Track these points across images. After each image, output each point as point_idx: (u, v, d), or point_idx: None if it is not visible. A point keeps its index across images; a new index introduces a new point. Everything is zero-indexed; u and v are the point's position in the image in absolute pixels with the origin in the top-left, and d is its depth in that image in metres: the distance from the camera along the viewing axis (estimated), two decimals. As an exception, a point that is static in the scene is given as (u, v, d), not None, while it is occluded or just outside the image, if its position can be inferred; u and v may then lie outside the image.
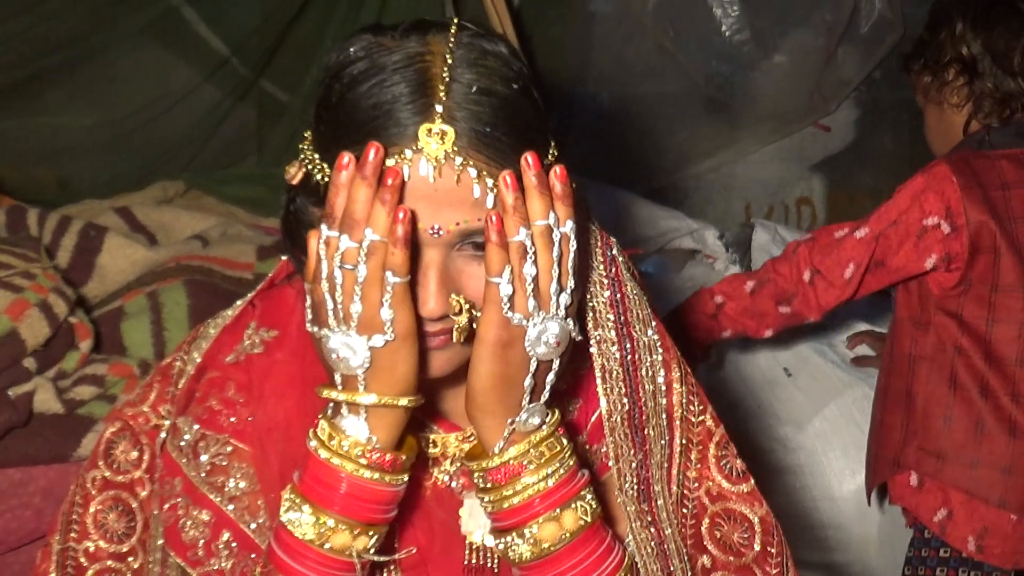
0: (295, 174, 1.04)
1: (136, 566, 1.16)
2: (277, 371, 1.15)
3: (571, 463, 1.04)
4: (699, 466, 1.17)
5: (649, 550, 1.11)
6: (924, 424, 2.10)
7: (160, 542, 1.13)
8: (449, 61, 0.96)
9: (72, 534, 1.15)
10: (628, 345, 1.14)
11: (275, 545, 1.02)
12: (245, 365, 1.16)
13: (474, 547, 1.16)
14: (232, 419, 1.14)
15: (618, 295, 1.15)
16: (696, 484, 1.17)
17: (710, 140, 3.96)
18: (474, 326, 1.00)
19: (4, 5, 2.49)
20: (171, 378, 1.17)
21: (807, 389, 2.75)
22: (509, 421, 1.01)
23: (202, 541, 1.11)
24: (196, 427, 1.13)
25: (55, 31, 2.61)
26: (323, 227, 0.96)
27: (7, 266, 1.87)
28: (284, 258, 1.22)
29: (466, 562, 1.17)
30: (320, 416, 1.02)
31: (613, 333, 1.14)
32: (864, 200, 3.71)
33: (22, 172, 2.79)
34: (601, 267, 1.15)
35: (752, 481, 1.17)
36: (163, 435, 1.15)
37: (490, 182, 0.95)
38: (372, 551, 1.02)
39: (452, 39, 0.98)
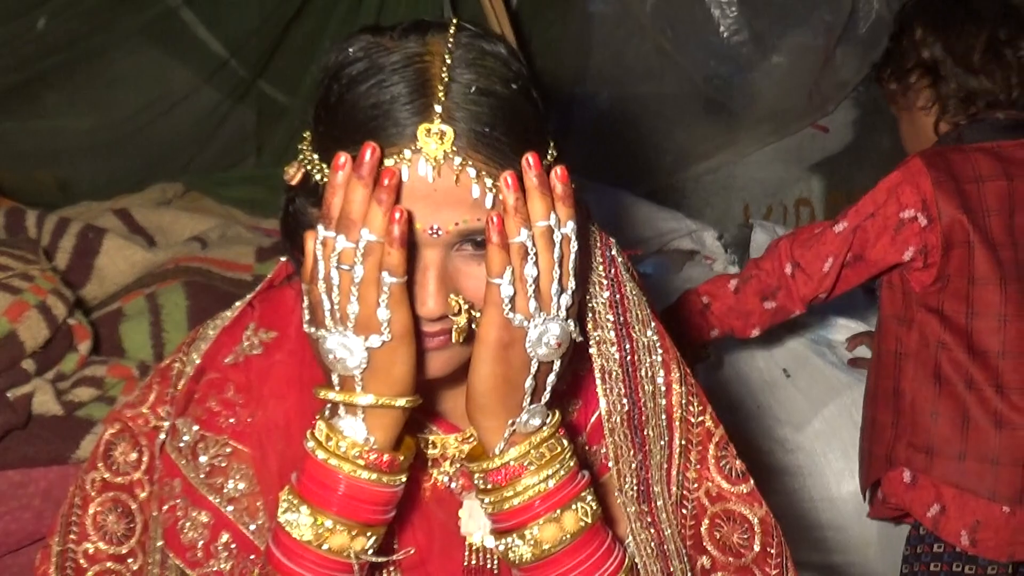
0: (294, 175, 1.04)
1: (135, 568, 1.16)
2: (276, 372, 1.15)
3: (572, 464, 1.04)
4: (699, 467, 1.17)
5: (649, 551, 1.11)
6: (913, 420, 2.13)
7: (159, 543, 1.13)
8: (448, 61, 0.96)
9: (71, 536, 1.15)
10: (627, 346, 1.14)
11: (273, 546, 1.01)
12: (244, 366, 1.16)
13: (473, 548, 1.16)
14: (231, 420, 1.14)
15: (617, 296, 1.15)
16: (696, 485, 1.17)
17: (709, 141, 3.96)
18: (473, 326, 1.00)
19: (2, 7, 2.49)
20: (170, 379, 1.17)
21: (806, 390, 2.76)
22: (510, 422, 1.01)
23: (201, 542, 1.11)
24: (195, 428, 1.13)
25: (54, 34, 2.61)
26: (320, 227, 0.96)
27: (6, 268, 1.87)
28: (283, 259, 1.22)
29: (465, 563, 1.17)
30: (318, 417, 1.02)
31: (612, 334, 1.13)
32: (863, 200, 3.70)
33: (21, 174, 2.78)
34: (600, 268, 1.15)
35: (752, 482, 1.17)
36: (162, 436, 1.15)
37: (489, 182, 0.95)
38: (370, 552, 1.02)
39: (451, 39, 0.98)
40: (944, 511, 2.08)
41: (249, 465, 1.13)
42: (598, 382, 1.12)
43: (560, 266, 0.98)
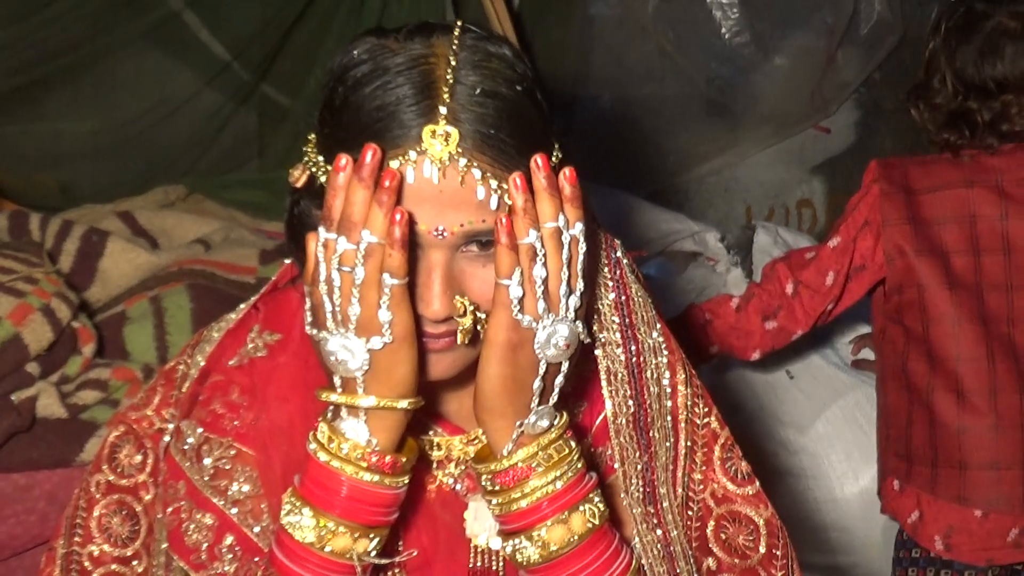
0: (299, 177, 1.04)
1: (140, 570, 1.16)
2: (280, 374, 1.15)
3: (579, 466, 1.04)
4: (704, 468, 1.17)
5: (655, 552, 1.11)
6: (896, 431, 2.17)
7: (164, 546, 1.13)
8: (453, 63, 0.96)
9: (76, 538, 1.15)
10: (633, 347, 1.14)
11: (276, 548, 1.02)
12: (248, 368, 1.16)
13: (479, 550, 1.16)
14: (235, 422, 1.14)
15: (623, 297, 1.15)
16: (701, 486, 1.17)
17: (711, 142, 3.96)
18: (478, 328, 1.00)
19: (5, 11, 2.49)
20: (175, 382, 1.17)
21: (809, 391, 2.75)
22: (518, 424, 1.01)
23: (205, 545, 1.11)
24: (200, 431, 1.13)
25: (56, 37, 2.61)
26: (321, 229, 0.96)
27: (10, 271, 1.87)
28: (287, 262, 1.21)
29: (471, 565, 1.17)
30: (320, 419, 1.02)
31: (618, 335, 1.13)
32: (865, 202, 3.70)
33: (24, 177, 2.78)
34: (606, 269, 1.15)
35: (757, 483, 1.17)
36: (167, 439, 1.14)
37: (494, 183, 0.95)
38: (373, 554, 1.02)
39: (456, 41, 0.98)
40: (921, 517, 2.11)
41: (253, 467, 1.13)
42: (604, 384, 1.12)
43: (569, 267, 0.98)
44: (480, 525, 1.14)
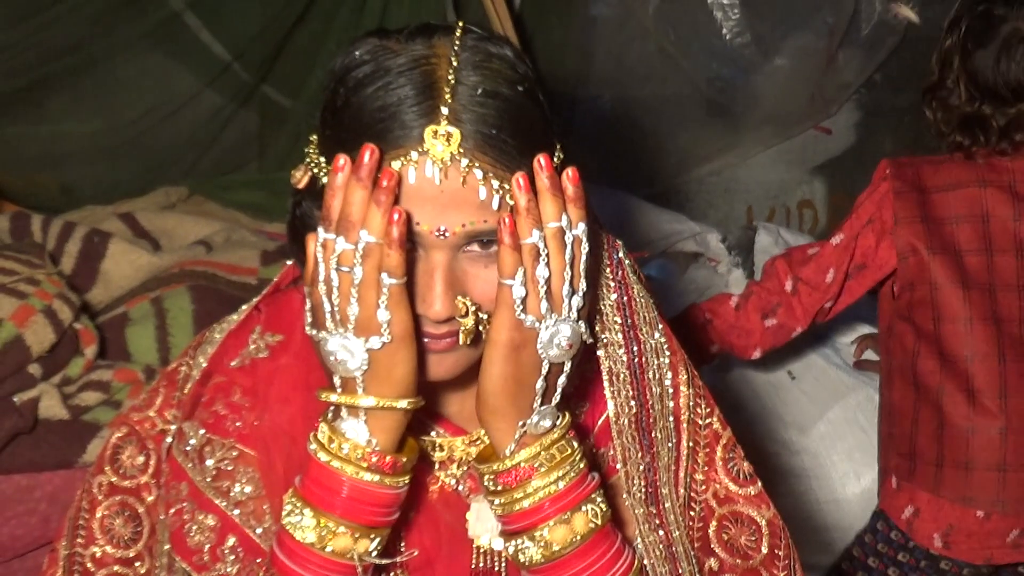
0: (301, 178, 1.04)
1: (143, 571, 1.16)
2: (282, 375, 1.15)
3: (582, 466, 1.04)
4: (706, 469, 1.17)
5: (658, 553, 1.11)
6: (899, 430, 2.16)
7: (166, 547, 1.13)
8: (454, 64, 0.96)
9: (79, 539, 1.15)
10: (635, 348, 1.14)
11: (277, 549, 1.02)
12: (250, 369, 1.16)
13: (481, 551, 1.17)
14: (238, 424, 1.14)
15: (625, 298, 1.15)
16: (703, 487, 1.17)
17: (711, 143, 3.96)
18: (480, 328, 1.00)
19: (6, 12, 2.49)
20: (177, 383, 1.17)
21: (811, 392, 2.75)
22: (520, 424, 1.01)
23: (208, 546, 1.11)
24: (202, 432, 1.13)
25: (57, 38, 2.61)
26: (320, 229, 0.96)
27: (11, 272, 1.87)
28: (289, 263, 1.22)
29: (473, 566, 1.17)
30: (321, 419, 1.03)
31: (620, 336, 1.14)
32: (866, 202, 3.70)
33: (25, 178, 2.79)
34: (607, 270, 1.15)
35: (759, 484, 1.18)
36: (169, 440, 1.15)
37: (496, 184, 0.95)
38: (374, 554, 1.02)
39: (457, 42, 0.98)
40: (918, 514, 2.10)
41: (255, 469, 1.13)
42: (606, 384, 1.12)
43: (571, 267, 0.98)
44: (482, 526, 1.14)
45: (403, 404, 0.99)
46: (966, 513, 2.06)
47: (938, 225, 2.06)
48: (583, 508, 1.03)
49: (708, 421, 1.17)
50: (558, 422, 1.04)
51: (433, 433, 1.17)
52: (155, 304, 2.12)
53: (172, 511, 1.12)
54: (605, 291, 1.14)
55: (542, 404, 1.02)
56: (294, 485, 1.02)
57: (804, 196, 4.11)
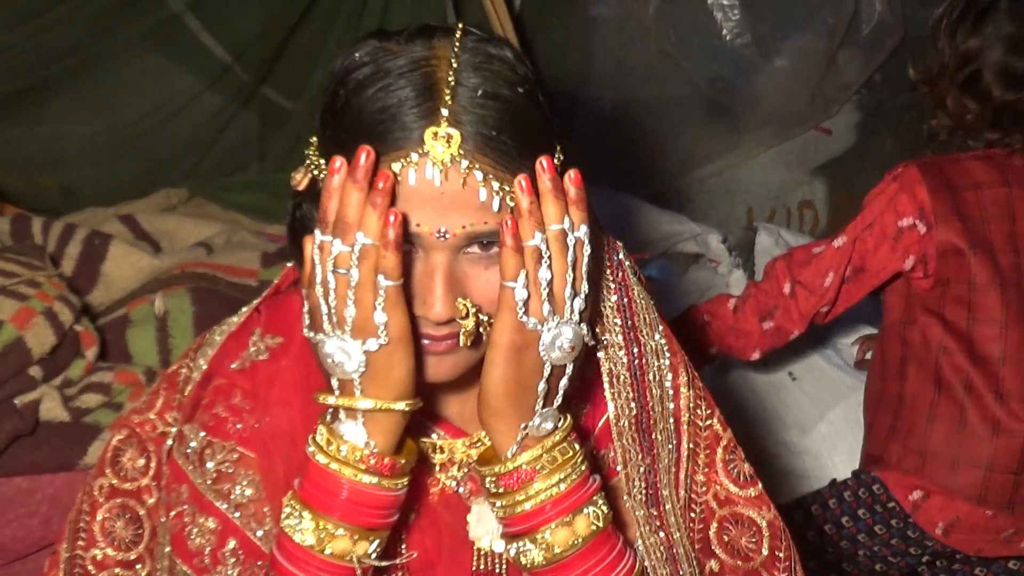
0: (301, 180, 1.04)
1: (144, 574, 1.16)
2: (282, 378, 1.15)
3: (583, 468, 1.04)
4: (707, 470, 1.17)
5: (658, 555, 1.11)
6: (910, 423, 2.12)
7: (167, 550, 1.13)
8: (454, 65, 0.96)
9: (80, 542, 1.15)
10: (635, 349, 1.14)
11: (276, 551, 1.02)
12: (250, 372, 1.16)
13: (482, 553, 1.17)
14: (238, 426, 1.14)
15: (625, 299, 1.15)
16: (704, 488, 1.17)
17: (712, 144, 3.96)
18: (481, 330, 1.00)
19: (6, 14, 2.49)
20: (177, 385, 1.17)
21: (812, 393, 2.75)
22: (522, 426, 1.01)
23: (208, 549, 1.11)
24: (202, 434, 1.13)
25: (58, 40, 2.61)
26: (317, 232, 0.96)
27: (12, 275, 1.87)
28: (289, 265, 1.22)
29: (474, 568, 1.17)
30: (319, 421, 1.03)
31: (620, 338, 1.14)
32: (866, 203, 3.70)
33: (26, 180, 2.79)
34: (608, 272, 1.15)
35: (760, 485, 1.18)
36: (169, 442, 1.15)
37: (496, 185, 0.95)
38: (373, 556, 1.02)
39: (457, 44, 0.98)
40: (927, 498, 2.07)
41: (256, 471, 1.13)
42: (606, 386, 1.13)
43: (574, 270, 0.98)
44: (483, 528, 1.14)
45: (401, 406, 0.99)
46: (976, 511, 2.05)
47: (973, 223, 2.02)
48: (585, 510, 1.03)
49: (708, 422, 1.17)
50: (560, 424, 1.04)
51: (434, 435, 1.17)
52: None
53: (173, 513, 1.12)
54: (605, 293, 1.15)
55: (544, 406, 1.02)
56: (293, 487, 1.02)
57: (805, 197, 4.11)
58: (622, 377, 1.13)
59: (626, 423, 1.12)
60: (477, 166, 0.94)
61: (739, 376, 2.79)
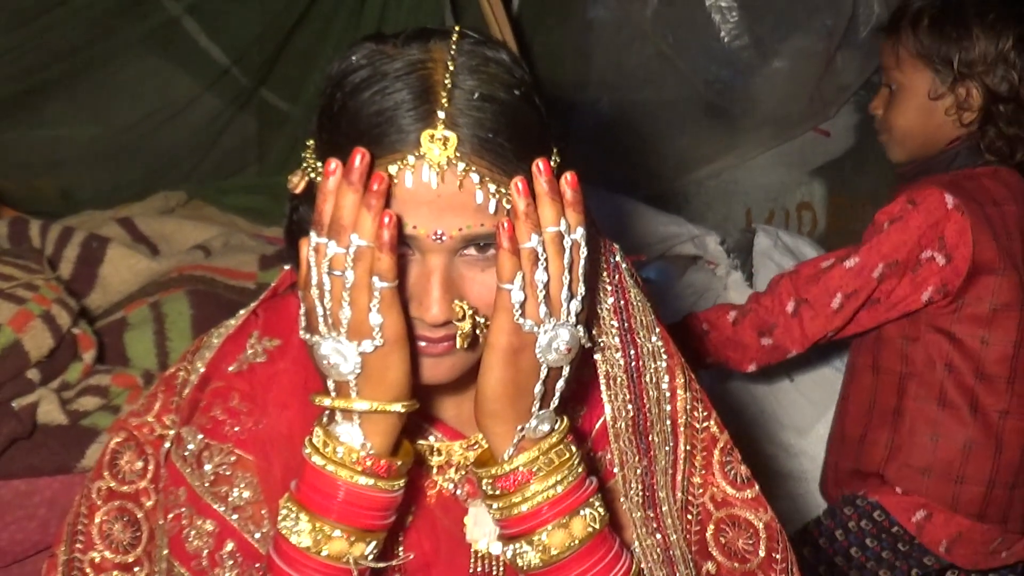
0: (298, 183, 1.04)
1: (142, 576, 1.16)
2: (280, 380, 1.15)
3: (580, 470, 1.04)
4: (703, 472, 1.17)
5: (655, 557, 1.11)
6: (910, 441, 2.09)
7: (165, 552, 1.12)
8: (451, 68, 0.97)
9: (78, 545, 1.15)
10: (632, 352, 1.14)
11: (273, 553, 1.02)
12: (248, 374, 1.16)
13: (479, 555, 1.17)
14: (236, 428, 1.14)
15: (621, 302, 1.15)
16: (701, 490, 1.17)
17: (710, 145, 3.96)
18: (477, 332, 1.00)
19: (4, 17, 2.50)
20: (175, 388, 1.17)
21: (810, 394, 2.76)
22: (519, 428, 1.02)
23: (206, 551, 1.11)
24: (200, 437, 1.13)
25: (56, 43, 2.61)
26: (312, 233, 0.96)
27: (10, 278, 1.87)
28: (287, 267, 1.22)
29: (471, 570, 1.17)
30: (316, 423, 1.03)
31: (617, 340, 1.14)
32: (865, 205, 3.70)
33: (24, 183, 2.78)
34: (604, 274, 1.15)
35: (757, 487, 1.18)
36: (167, 445, 1.14)
37: (492, 188, 0.95)
38: (370, 558, 1.02)
39: (454, 46, 0.99)
40: (930, 518, 2.06)
41: (254, 473, 1.13)
42: (603, 388, 1.13)
43: (570, 272, 0.99)
44: (480, 530, 1.14)
45: (397, 407, 0.99)
46: (977, 526, 2.05)
47: (1001, 240, 1.98)
48: (581, 512, 1.03)
49: (705, 424, 1.18)
50: (556, 426, 1.04)
51: (431, 437, 1.17)
52: (153, 309, 2.12)
53: (171, 516, 1.12)
54: (602, 295, 1.15)
55: (540, 408, 1.02)
56: (290, 489, 1.02)
57: (803, 198, 4.11)
58: (619, 379, 1.13)
59: (623, 425, 1.12)
60: (474, 168, 0.95)
61: (737, 378, 2.79)
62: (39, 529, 1.79)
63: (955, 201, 1.95)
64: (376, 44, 1.00)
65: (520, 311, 0.96)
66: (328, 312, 0.96)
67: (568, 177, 0.98)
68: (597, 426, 1.19)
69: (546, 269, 0.96)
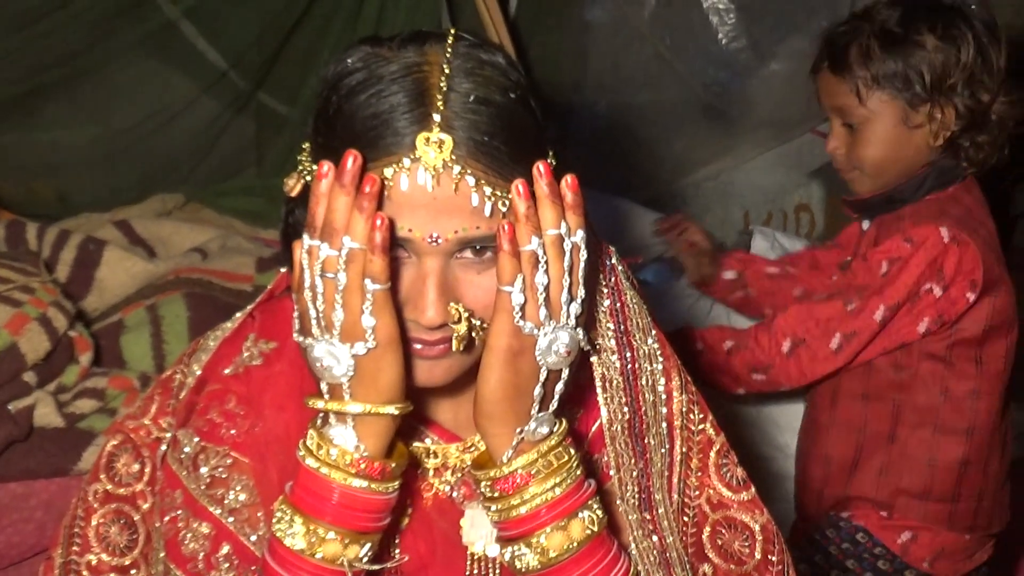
0: (293, 186, 1.04)
1: (138, 579, 1.16)
2: (276, 383, 1.15)
3: (578, 473, 1.04)
4: (700, 474, 1.17)
5: (652, 559, 1.11)
6: (907, 467, 2.05)
7: (162, 555, 1.12)
8: (447, 71, 0.97)
9: (74, 547, 1.15)
10: (628, 354, 1.14)
11: (268, 556, 1.02)
12: (244, 377, 1.16)
13: (475, 557, 1.17)
14: (232, 431, 1.13)
15: (618, 304, 1.15)
16: (697, 492, 1.17)
17: (708, 147, 3.96)
18: (473, 335, 1.00)
19: (2, 20, 2.50)
20: (171, 391, 1.17)
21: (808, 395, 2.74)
22: (518, 430, 1.02)
23: (202, 554, 1.11)
24: (196, 439, 1.13)
25: (54, 46, 2.61)
26: (305, 236, 0.96)
27: (7, 280, 1.87)
28: (283, 270, 1.22)
29: (467, 573, 1.17)
30: (310, 425, 1.03)
31: (613, 342, 1.14)
32: (863, 206, 3.70)
33: (21, 186, 2.79)
34: (601, 276, 1.15)
35: (753, 489, 1.18)
36: (164, 448, 1.14)
37: (488, 190, 0.95)
38: (364, 560, 1.02)
39: (449, 49, 0.99)
40: (915, 539, 2.04)
41: (250, 476, 1.13)
42: (599, 391, 1.13)
43: (570, 274, 0.99)
44: (476, 532, 1.14)
45: (390, 410, 0.99)
46: (959, 539, 2.04)
47: (993, 260, 1.94)
48: (580, 515, 1.03)
49: (701, 427, 1.18)
50: (555, 429, 1.04)
51: (427, 440, 1.17)
52: (150, 311, 2.12)
53: (167, 519, 1.12)
54: (598, 297, 1.15)
55: (540, 411, 1.02)
56: (284, 492, 1.02)
57: (801, 200, 4.11)
58: (615, 382, 1.13)
59: (619, 428, 1.13)
60: (469, 171, 0.95)
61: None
62: (36, 532, 1.79)
63: (951, 234, 1.90)
64: (372, 47, 1.00)
65: (520, 313, 0.97)
66: (321, 314, 0.96)
67: (568, 180, 0.98)
68: (594, 428, 1.19)
69: (546, 272, 0.97)
